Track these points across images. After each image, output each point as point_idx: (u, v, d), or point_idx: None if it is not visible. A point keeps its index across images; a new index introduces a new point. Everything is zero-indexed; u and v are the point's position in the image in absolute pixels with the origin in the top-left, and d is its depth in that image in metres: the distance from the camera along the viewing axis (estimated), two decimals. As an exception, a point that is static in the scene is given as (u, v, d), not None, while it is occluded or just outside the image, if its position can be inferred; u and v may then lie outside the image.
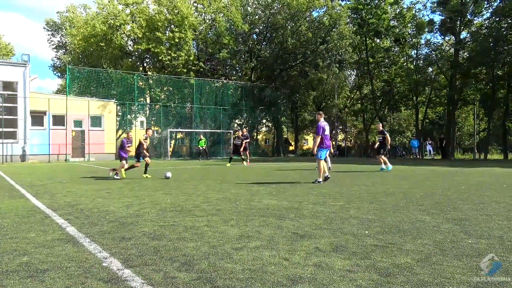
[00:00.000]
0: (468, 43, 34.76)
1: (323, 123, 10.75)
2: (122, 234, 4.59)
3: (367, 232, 4.64)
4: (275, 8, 37.33)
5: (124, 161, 12.62)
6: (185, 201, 7.21)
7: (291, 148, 47.52)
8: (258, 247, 4.01)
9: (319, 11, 37.80)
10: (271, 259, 3.59)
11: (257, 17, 38.35)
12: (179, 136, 39.78)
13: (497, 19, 31.95)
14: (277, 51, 37.35)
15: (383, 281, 3.03)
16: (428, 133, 45.66)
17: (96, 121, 28.99)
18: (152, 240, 4.30)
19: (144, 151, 12.93)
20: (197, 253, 3.81)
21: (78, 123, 28.21)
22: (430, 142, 34.44)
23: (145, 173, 13.11)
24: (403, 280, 3.05)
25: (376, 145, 16.17)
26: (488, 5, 33.71)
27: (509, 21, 30.83)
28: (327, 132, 10.79)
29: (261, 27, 38.79)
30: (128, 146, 12.84)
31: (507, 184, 10.23)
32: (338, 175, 13.61)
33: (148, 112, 35.16)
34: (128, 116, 32.93)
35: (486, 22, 34.33)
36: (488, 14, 33.75)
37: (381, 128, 16.18)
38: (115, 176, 12.33)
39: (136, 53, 36.42)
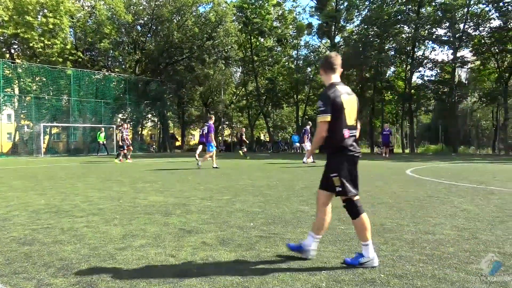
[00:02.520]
0: (342, 46, 37.99)
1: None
2: (-15, 241, 4.07)
3: (252, 224, 4.80)
4: (160, 0, 36.37)
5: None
6: (62, 201, 6.66)
7: (177, 143, 46.88)
8: (143, 245, 3.90)
9: (206, 6, 37.85)
10: (157, 257, 3.52)
11: (141, 8, 36.95)
12: (54, 131, 36.44)
13: (365, 26, 35.47)
14: (163, 44, 36.45)
15: (267, 269, 3.18)
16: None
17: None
18: (22, 246, 3.89)
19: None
20: (76, 256, 3.56)
21: None
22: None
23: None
24: (285, 267, 3.24)
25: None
26: (358, 14, 37.26)
27: (375, 29, 34.45)
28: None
29: (145, 19, 37.46)
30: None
31: (373, 174, 11.45)
32: (225, 170, 13.83)
33: (16, 104, 31.55)
34: (-8, 108, 29.24)
35: (356, 29, 37.91)
36: (358, 22, 37.33)
37: None
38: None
39: (1, 37, 32.39)
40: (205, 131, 14.72)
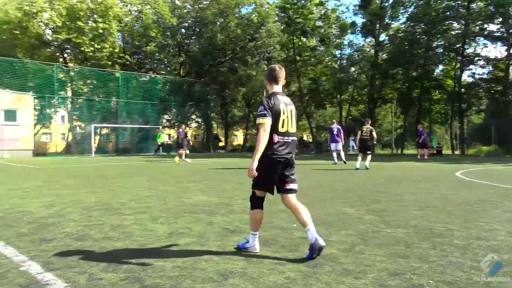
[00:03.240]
0: (387, 45, 37.08)
1: None
2: (42, 236, 4.30)
3: (295, 225, 4.77)
4: (204, 3, 37.03)
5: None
6: (111, 199, 6.92)
7: (221, 144, 47.50)
8: (188, 243, 3.98)
9: (248, 8, 38.16)
10: (202, 255, 3.57)
11: (185, 11, 37.80)
12: (104, 131, 38.07)
13: (412, 24, 34.40)
14: (207, 46, 37.09)
15: (310, 272, 3.15)
16: (351, 129, 48.05)
17: (10, 115, 26.79)
18: (75, 241, 4.08)
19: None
20: (125, 252, 3.69)
21: (-11, 118, 25.95)
22: (353, 138, 36.19)
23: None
24: (329, 270, 3.19)
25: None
26: (404, 11, 36.19)
27: (422, 26, 33.33)
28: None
29: (190, 22, 38.29)
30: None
31: (421, 177, 11.09)
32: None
33: (69, 106, 33.18)
34: (48, 110, 30.86)
35: (402, 26, 36.84)
36: (404, 19, 36.26)
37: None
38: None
39: (56, 43, 34.17)
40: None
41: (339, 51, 42.12)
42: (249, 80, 43.02)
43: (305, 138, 59.48)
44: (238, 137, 68.09)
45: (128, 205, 6.31)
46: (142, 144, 33.61)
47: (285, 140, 3.68)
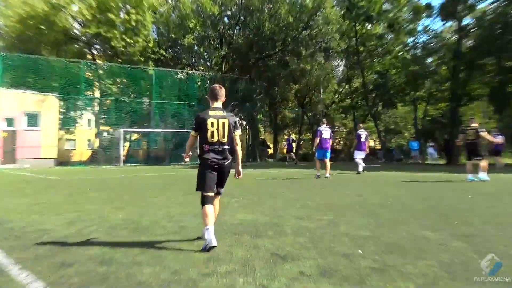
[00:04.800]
0: (472, 30, 35.67)
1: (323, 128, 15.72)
2: (62, 259, 4.39)
3: (360, 251, 4.61)
4: (250, -13, 37.39)
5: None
6: (141, 217, 7.02)
7: (269, 151, 47.57)
8: (230, 272, 3.91)
9: (301, -9, 38.07)
10: (246, 287, 3.48)
11: (228, -3, 38.31)
12: (134, 137, 39.14)
13: (503, 3, 32.87)
14: (253, 37, 37.35)
15: (382, 312, 2.97)
16: (429, 133, 46.55)
17: (32, 119, 28.21)
18: (99, 266, 4.12)
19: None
20: (155, 280, 3.68)
21: (10, 122, 27.41)
22: (432, 144, 35.03)
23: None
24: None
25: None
26: (494, -13, 34.68)
27: (518, 5, 31.75)
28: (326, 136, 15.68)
29: (233, 9, 38.72)
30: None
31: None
32: (325, 182, 13.63)
33: (97, 108, 34.49)
34: (72, 112, 32.19)
35: (491, 7, 35.30)
36: (494, -1, 34.71)
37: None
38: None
39: (84, 38, 35.71)
40: None
41: (412, 39, 41.07)
42: (303, 76, 42.86)
43: (371, 144, 58.35)
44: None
45: (160, 224, 6.37)
46: (177, 152, 34.21)
47: (214, 148, 5.13)
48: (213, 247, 4.67)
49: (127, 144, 36.66)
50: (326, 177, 15.35)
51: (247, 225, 6.26)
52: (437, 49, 37.53)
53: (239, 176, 5.59)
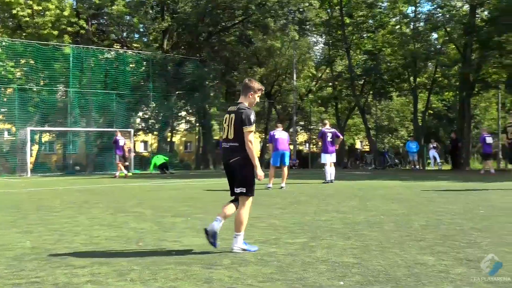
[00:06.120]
0: (489, -1, 36.47)
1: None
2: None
3: (342, 283, 4.73)
4: None
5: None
6: (56, 243, 6.98)
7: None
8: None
9: None
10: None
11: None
12: (46, 138, 38.27)
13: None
14: (204, 4, 37.12)
15: None
16: (432, 131, 47.43)
17: None
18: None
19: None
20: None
21: None
22: (434, 145, 35.71)
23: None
24: None
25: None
26: None
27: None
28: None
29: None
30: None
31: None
32: (297, 196, 13.79)
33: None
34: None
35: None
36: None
37: None
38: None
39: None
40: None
41: (412, 8, 41.74)
42: (271, 56, 42.97)
43: (358, 145, 58.95)
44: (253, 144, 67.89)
45: (81, 252, 6.35)
46: (104, 157, 33.62)
47: (224, 146, 6.38)
48: (205, 229, 6.25)
49: (36, 147, 35.81)
50: (281, 187, 16.14)
51: (197, 252, 6.30)
52: (445, 21, 38.03)
53: (260, 179, 6.47)
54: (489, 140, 24.93)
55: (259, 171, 6.33)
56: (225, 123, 6.34)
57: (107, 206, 11.84)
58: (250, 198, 6.39)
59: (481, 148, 25.59)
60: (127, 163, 27.47)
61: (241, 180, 6.23)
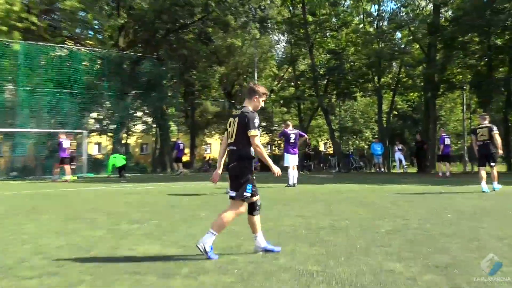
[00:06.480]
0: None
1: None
2: None
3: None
4: None
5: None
6: (2, 253, 6.86)
7: (185, 158, 47.35)
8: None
9: None
10: None
11: None
12: (-10, 140, 37.77)
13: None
14: (162, 1, 37.02)
15: None
16: (397, 133, 48.08)
17: None
18: None
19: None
20: None
21: None
22: (400, 148, 36.16)
23: None
24: None
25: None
26: None
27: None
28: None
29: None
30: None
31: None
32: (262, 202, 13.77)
33: None
34: None
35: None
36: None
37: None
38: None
39: None
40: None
41: (376, 7, 42.29)
42: (231, 55, 43.03)
43: (321, 148, 59.37)
44: (212, 147, 67.85)
45: (29, 262, 6.23)
46: (55, 160, 33.18)
47: (228, 149, 6.69)
48: (256, 251, 6.62)
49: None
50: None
51: (153, 260, 6.24)
52: (409, 21, 38.61)
53: (277, 174, 6.84)
54: (447, 141, 25.48)
55: (275, 168, 6.77)
56: (229, 127, 6.66)
57: (57, 213, 11.63)
58: (242, 207, 6.60)
59: (439, 150, 26.19)
60: (74, 166, 27.79)
61: (235, 184, 6.55)
